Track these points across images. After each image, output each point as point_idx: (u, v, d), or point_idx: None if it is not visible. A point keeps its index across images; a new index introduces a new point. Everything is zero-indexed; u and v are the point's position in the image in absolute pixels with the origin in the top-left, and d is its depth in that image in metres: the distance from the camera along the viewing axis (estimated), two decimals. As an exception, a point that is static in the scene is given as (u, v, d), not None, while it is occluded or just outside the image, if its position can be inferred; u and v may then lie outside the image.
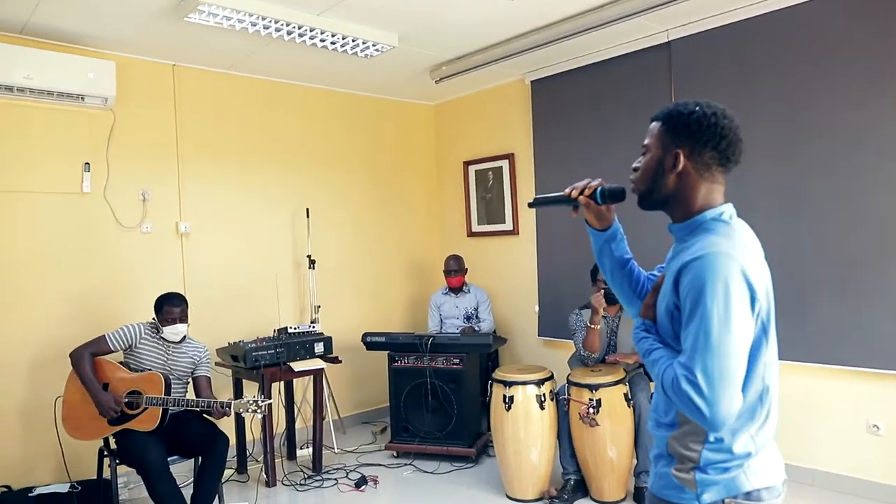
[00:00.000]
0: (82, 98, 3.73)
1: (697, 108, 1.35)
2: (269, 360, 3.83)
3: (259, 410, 3.17)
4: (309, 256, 4.65)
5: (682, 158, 1.34)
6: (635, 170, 1.47)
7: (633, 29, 3.89)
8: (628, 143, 4.17)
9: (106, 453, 3.26)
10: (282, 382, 4.28)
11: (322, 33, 3.61)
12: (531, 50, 3.97)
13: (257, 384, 3.83)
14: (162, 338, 3.35)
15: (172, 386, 3.29)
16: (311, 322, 4.60)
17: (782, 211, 3.50)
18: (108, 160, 3.94)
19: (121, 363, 3.30)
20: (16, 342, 3.60)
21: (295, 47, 3.91)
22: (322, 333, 4.19)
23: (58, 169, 3.76)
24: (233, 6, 3.19)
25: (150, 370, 3.25)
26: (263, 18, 3.34)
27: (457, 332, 4.64)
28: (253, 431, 4.26)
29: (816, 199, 3.39)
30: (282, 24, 3.45)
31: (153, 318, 3.39)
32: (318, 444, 4.09)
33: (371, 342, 4.39)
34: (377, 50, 3.93)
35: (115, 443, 3.20)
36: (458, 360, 4.17)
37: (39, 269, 3.69)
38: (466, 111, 5.42)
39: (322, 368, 4.04)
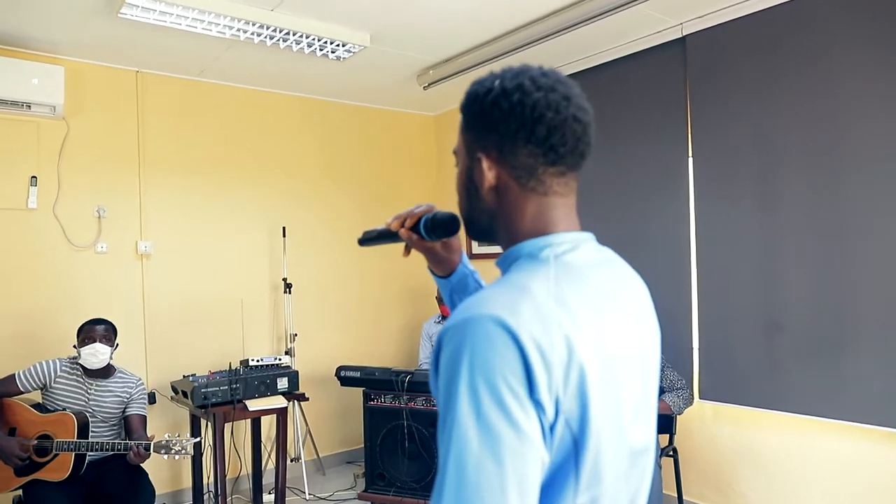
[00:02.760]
0: (28, 106, 3.44)
1: (496, 84, 0.88)
2: (220, 398, 3.40)
3: (183, 452, 2.74)
4: (285, 280, 4.23)
5: (486, 165, 0.89)
6: None
7: (643, 23, 3.36)
8: (636, 154, 3.61)
9: (20, 509, 2.88)
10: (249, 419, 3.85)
11: (279, 31, 3.21)
12: (523, 48, 3.48)
13: (207, 423, 3.41)
14: (82, 374, 2.96)
15: (93, 427, 2.89)
16: (286, 352, 4.17)
17: (818, 243, 2.88)
18: (59, 173, 3.62)
19: (36, 405, 2.92)
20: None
21: (262, 50, 3.53)
22: (288, 367, 3.75)
23: (0, 182, 3.46)
24: (167, -1, 2.82)
25: (62, 411, 2.87)
26: (205, 13, 2.96)
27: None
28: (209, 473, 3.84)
29: (862, 228, 2.75)
30: (231, 21, 3.07)
31: (74, 348, 3.01)
32: (280, 491, 3.64)
33: (345, 377, 3.92)
34: (348, 51, 3.51)
35: (23, 497, 2.81)
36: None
37: (-23, 291, 3.39)
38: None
39: (284, 407, 3.59)
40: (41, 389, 2.94)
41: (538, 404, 0.72)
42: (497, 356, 0.71)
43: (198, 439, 2.93)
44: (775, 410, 3.04)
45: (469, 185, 0.93)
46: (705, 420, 3.43)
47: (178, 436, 2.81)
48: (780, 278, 3.01)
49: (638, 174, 3.62)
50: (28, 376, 2.89)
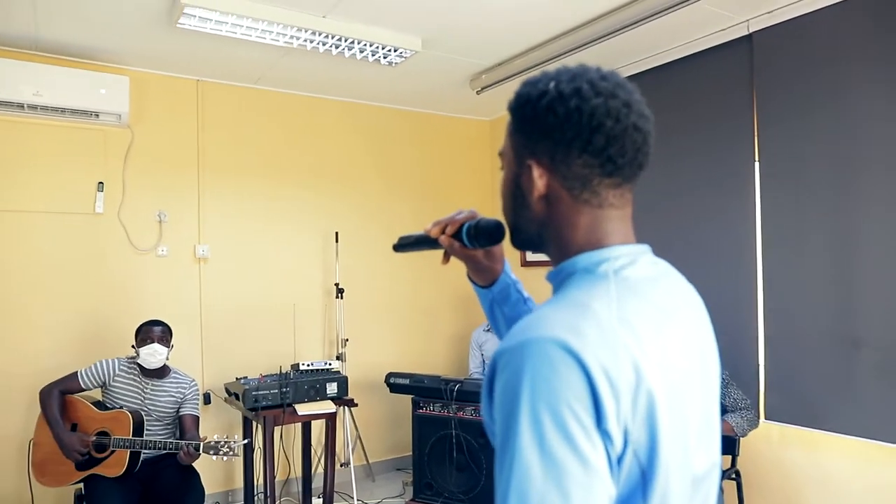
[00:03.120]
0: (96, 115, 3.58)
1: (551, 86, 0.81)
2: (270, 401, 3.44)
3: (231, 453, 2.78)
4: (337, 285, 4.26)
5: (537, 173, 0.83)
6: None
7: (706, 21, 3.19)
8: (698, 158, 3.44)
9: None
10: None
11: (331, 38, 3.23)
12: (579, 49, 3.37)
13: (257, 425, 3.45)
14: (139, 373, 3.05)
15: (148, 426, 2.97)
16: (337, 357, 4.19)
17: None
18: (125, 179, 3.76)
19: (96, 402, 3.03)
20: (19, 369, 3.45)
21: (315, 56, 3.57)
22: (338, 372, 3.76)
23: (69, 188, 3.63)
24: (221, 9, 2.88)
25: (119, 408, 2.96)
26: (258, 22, 3.00)
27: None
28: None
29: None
30: (283, 29, 3.10)
31: (133, 348, 3.10)
32: (329, 495, 3.64)
33: (394, 384, 3.91)
34: (399, 56, 3.49)
35: (84, 490, 2.91)
36: (488, 412, 3.58)
37: (47, 291, 3.55)
38: (526, 126, 4.85)
39: (333, 412, 3.60)
40: (101, 387, 3.04)
41: (606, 435, 0.67)
42: (561, 382, 0.66)
43: (246, 441, 2.96)
44: (851, 436, 2.81)
45: (516, 191, 0.87)
46: (772, 442, 3.21)
47: (227, 437, 2.84)
48: (857, 291, 2.78)
49: (699, 179, 3.44)
50: (89, 374, 3.00)
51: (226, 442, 2.81)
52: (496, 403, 0.71)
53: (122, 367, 3.05)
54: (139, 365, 3.07)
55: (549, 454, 0.64)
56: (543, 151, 0.82)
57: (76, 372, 3.00)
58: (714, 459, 0.85)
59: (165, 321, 3.20)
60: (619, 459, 0.68)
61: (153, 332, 3.06)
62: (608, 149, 0.79)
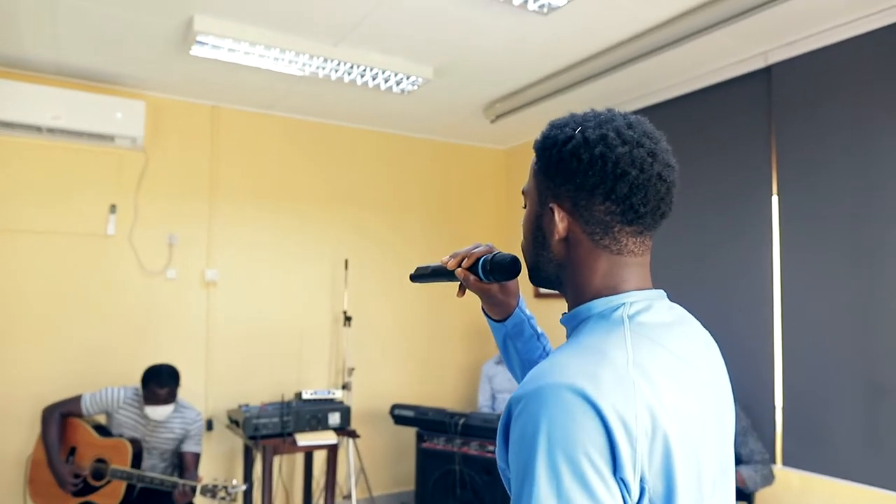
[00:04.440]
0: (112, 138, 3.62)
1: (577, 132, 0.82)
2: (270, 430, 3.38)
3: (228, 498, 2.72)
4: (345, 312, 4.21)
5: (558, 216, 0.84)
6: None
7: (723, 53, 3.13)
8: (712, 194, 3.35)
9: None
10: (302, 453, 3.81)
11: (343, 65, 3.23)
12: (592, 79, 3.32)
13: (258, 459, 3.39)
14: (143, 408, 3.01)
15: (148, 458, 2.93)
16: (343, 386, 4.12)
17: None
18: (137, 202, 3.79)
19: (97, 426, 3.00)
20: (26, 388, 3.43)
21: (328, 84, 3.58)
22: (341, 402, 3.69)
23: (82, 210, 3.65)
24: (233, 36, 2.90)
25: (118, 437, 2.91)
26: (270, 49, 3.02)
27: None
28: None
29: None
30: (295, 56, 3.12)
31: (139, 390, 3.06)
32: (328, 531, 3.55)
33: (399, 416, 3.82)
34: (412, 84, 3.48)
35: (78, 516, 2.87)
36: (494, 448, 3.46)
37: (56, 310, 3.56)
38: (542, 156, 4.79)
39: (334, 443, 3.51)
40: (104, 414, 3.01)
41: (623, 483, 0.67)
42: (578, 430, 0.66)
43: (246, 486, 2.90)
44: (876, 487, 2.64)
45: (537, 232, 0.88)
46: (791, 490, 3.04)
47: (226, 481, 2.79)
48: (882, 334, 2.64)
49: (715, 213, 3.34)
50: (93, 402, 2.97)
51: (223, 486, 2.75)
52: (511, 450, 0.70)
53: (127, 398, 3.01)
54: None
55: (567, 502, 0.64)
56: (566, 195, 0.83)
57: (80, 396, 2.98)
58: None
59: (172, 365, 3.11)
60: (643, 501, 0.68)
61: (159, 395, 2.97)
62: (631, 197, 0.79)
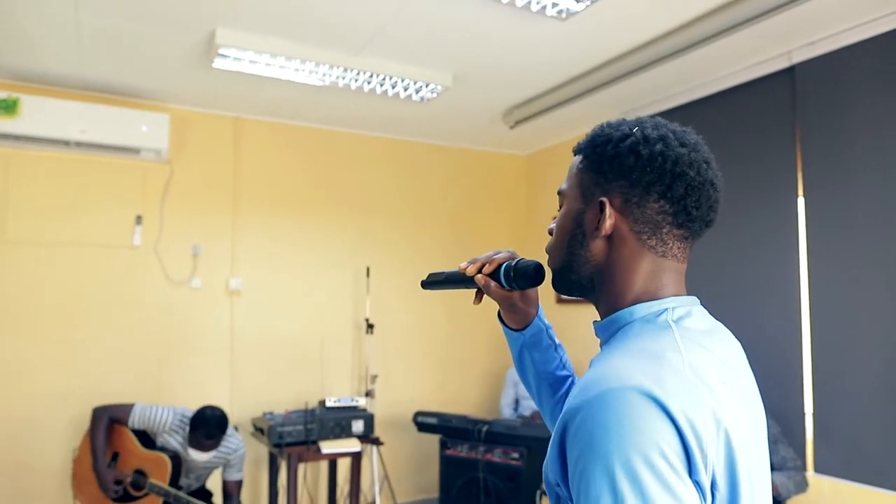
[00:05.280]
0: (137, 151, 3.69)
1: (635, 131, 0.82)
2: (295, 437, 3.40)
3: None
4: (367, 320, 4.22)
5: (609, 211, 0.82)
6: (551, 233, 0.93)
7: (746, 52, 3.09)
8: (738, 197, 3.30)
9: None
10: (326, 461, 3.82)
11: (363, 74, 3.26)
12: (611, 83, 3.30)
13: (283, 467, 3.41)
14: (187, 435, 3.03)
15: (182, 477, 2.97)
16: (367, 393, 4.13)
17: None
18: (162, 213, 3.85)
19: (141, 432, 3.05)
20: (51, 403, 3.50)
21: (348, 93, 3.61)
22: (364, 410, 3.70)
23: (109, 222, 3.72)
24: (255, 48, 2.94)
25: (160, 449, 2.97)
26: (291, 60, 3.05)
27: (527, 416, 3.91)
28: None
29: None
30: (315, 67, 3.15)
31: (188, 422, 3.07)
32: (353, 538, 3.55)
33: (422, 423, 3.83)
34: (431, 91, 3.50)
35: (115, 524, 2.92)
36: (517, 455, 3.45)
37: (85, 322, 3.62)
38: (563, 160, 4.78)
39: (358, 451, 3.52)
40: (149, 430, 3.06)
41: (697, 485, 0.65)
42: (651, 431, 0.64)
43: None
44: (910, 495, 2.57)
45: (576, 230, 0.86)
46: (823, 497, 2.97)
47: None
48: (914, 338, 2.58)
49: (740, 215, 3.29)
50: (142, 418, 3.00)
51: None
52: (576, 463, 0.67)
53: (174, 424, 3.04)
54: None
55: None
56: (617, 191, 0.82)
57: (133, 406, 3.03)
58: None
59: (221, 410, 3.06)
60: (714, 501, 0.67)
61: (204, 444, 2.98)
62: (686, 198, 0.80)
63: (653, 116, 0.88)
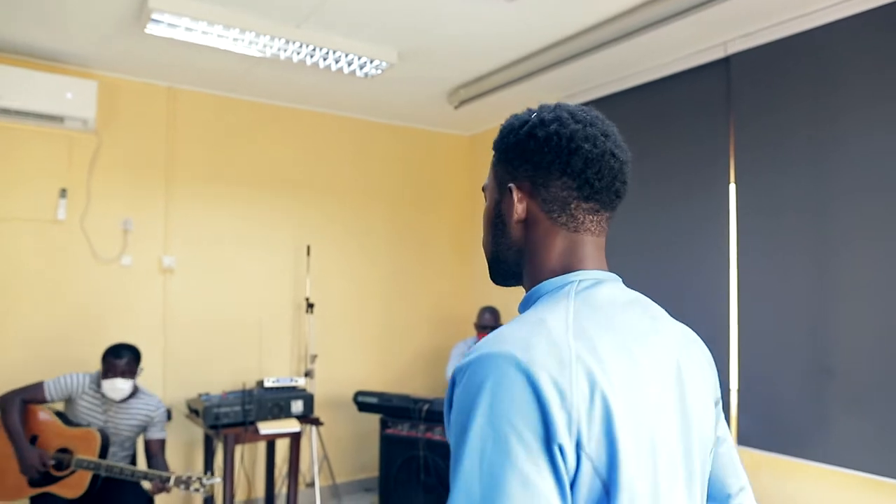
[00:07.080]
0: (61, 120, 3.48)
1: (533, 116, 0.87)
2: (232, 418, 3.32)
3: (201, 490, 2.67)
4: (307, 299, 4.16)
5: (517, 196, 0.87)
6: None
7: (683, 43, 3.18)
8: (669, 183, 3.41)
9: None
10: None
11: (306, 47, 3.17)
12: (554, 67, 3.33)
13: (220, 448, 3.33)
14: (103, 394, 2.92)
15: (111, 447, 2.85)
16: (306, 373, 4.08)
17: (879, 283, 2.61)
18: (90, 186, 3.65)
19: (59, 413, 2.90)
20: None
21: (290, 66, 3.50)
22: (304, 389, 3.65)
23: (30, 194, 3.50)
24: (191, 15, 2.80)
25: (86, 426, 2.83)
26: (229, 29, 2.93)
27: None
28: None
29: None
30: (255, 37, 3.04)
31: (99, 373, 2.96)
32: (292, 518, 3.52)
33: (362, 402, 3.81)
34: (376, 68, 3.43)
35: (30, 507, 2.78)
36: (457, 433, 3.49)
37: (5, 300, 3.41)
38: (505, 143, 4.79)
39: (297, 431, 3.48)
40: (66, 401, 2.91)
41: (560, 448, 0.66)
42: (509, 399, 0.67)
43: (217, 480, 2.84)
44: (822, 463, 2.76)
45: (496, 220, 0.90)
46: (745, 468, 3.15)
47: (200, 475, 2.75)
48: (832, 318, 2.75)
49: (673, 201, 3.40)
50: (57, 387, 2.86)
51: (198, 478, 2.70)
52: (452, 419, 0.72)
53: (90, 385, 2.91)
54: None
55: (488, 474, 0.65)
56: (524, 175, 0.85)
57: (42, 382, 2.86)
58: None
59: (133, 344, 3.02)
60: (576, 475, 0.68)
61: (116, 366, 2.87)
62: (586, 171, 0.82)
63: (589, 102, 0.90)
